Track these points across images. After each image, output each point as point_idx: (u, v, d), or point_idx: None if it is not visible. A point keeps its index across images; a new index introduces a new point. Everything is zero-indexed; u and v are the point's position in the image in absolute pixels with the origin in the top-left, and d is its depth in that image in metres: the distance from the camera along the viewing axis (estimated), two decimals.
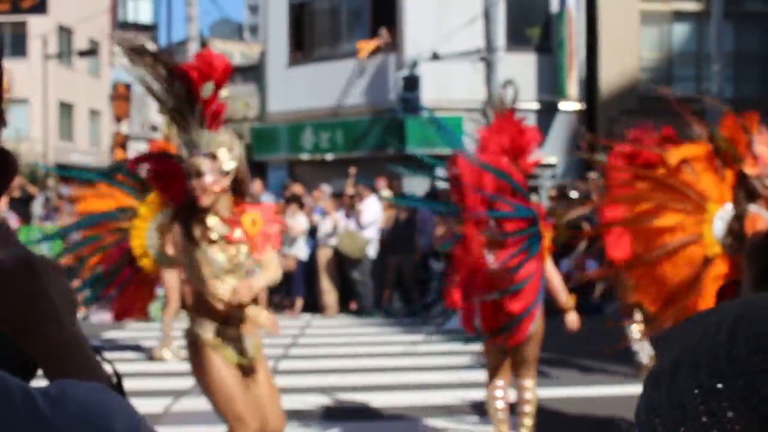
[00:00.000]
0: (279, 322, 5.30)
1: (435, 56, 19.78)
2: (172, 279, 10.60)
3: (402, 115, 20.43)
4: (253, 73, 30.06)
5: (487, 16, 18.85)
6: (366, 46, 21.73)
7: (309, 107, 23.02)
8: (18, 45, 35.37)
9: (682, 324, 1.06)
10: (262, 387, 5.04)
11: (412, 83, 19.97)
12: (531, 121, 20.10)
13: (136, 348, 11.81)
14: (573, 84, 21.70)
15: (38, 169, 31.89)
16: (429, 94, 20.35)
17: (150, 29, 54.07)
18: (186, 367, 10.23)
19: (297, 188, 17.35)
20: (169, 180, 5.11)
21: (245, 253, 4.91)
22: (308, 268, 15.75)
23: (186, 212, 4.83)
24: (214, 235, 4.81)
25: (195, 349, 4.92)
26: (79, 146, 41.00)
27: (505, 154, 6.24)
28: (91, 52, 36.47)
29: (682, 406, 0.99)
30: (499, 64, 18.86)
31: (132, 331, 13.41)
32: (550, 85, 21.50)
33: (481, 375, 9.76)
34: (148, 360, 10.99)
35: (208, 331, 4.88)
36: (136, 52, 4.75)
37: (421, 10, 21.46)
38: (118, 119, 41.02)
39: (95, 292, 6.14)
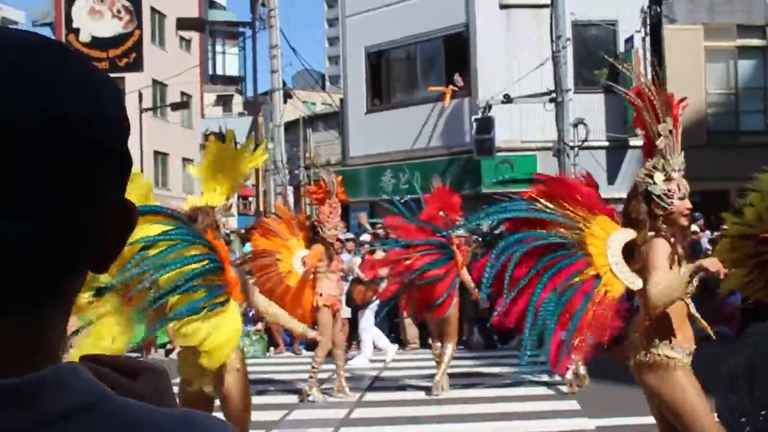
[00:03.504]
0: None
1: (507, 99, 19.80)
2: (324, 317, 10.33)
3: (477, 156, 20.45)
4: (335, 120, 30.36)
5: (556, 59, 18.82)
6: (446, 93, 21.87)
7: (388, 151, 23.19)
8: None
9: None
10: None
11: (485, 125, 20.00)
12: (602, 159, 20.01)
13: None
14: None
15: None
16: (502, 135, 20.35)
17: (237, 81, 55.00)
18: (292, 386, 10.40)
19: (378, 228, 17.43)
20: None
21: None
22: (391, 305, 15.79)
23: (665, 230, 4.85)
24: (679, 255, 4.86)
25: (665, 370, 4.86)
26: (174, 192, 41.75)
27: (438, 210, 10.47)
28: (183, 104, 37.24)
29: None
30: (569, 104, 18.80)
31: None
32: (619, 123, 21.32)
33: (564, 404, 9.73)
34: (299, 397, 10.67)
35: (679, 352, 4.86)
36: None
37: (492, 55, 21.54)
38: None
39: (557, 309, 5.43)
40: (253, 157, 6.38)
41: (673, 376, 4.86)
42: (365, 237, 15.77)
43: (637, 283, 5.05)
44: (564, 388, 10.51)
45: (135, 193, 5.28)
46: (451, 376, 11.51)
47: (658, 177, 4.92)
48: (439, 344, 10.88)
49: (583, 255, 5.32)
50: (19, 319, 0.84)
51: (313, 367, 10.53)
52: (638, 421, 8.71)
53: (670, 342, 4.87)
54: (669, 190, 4.89)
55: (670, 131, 4.99)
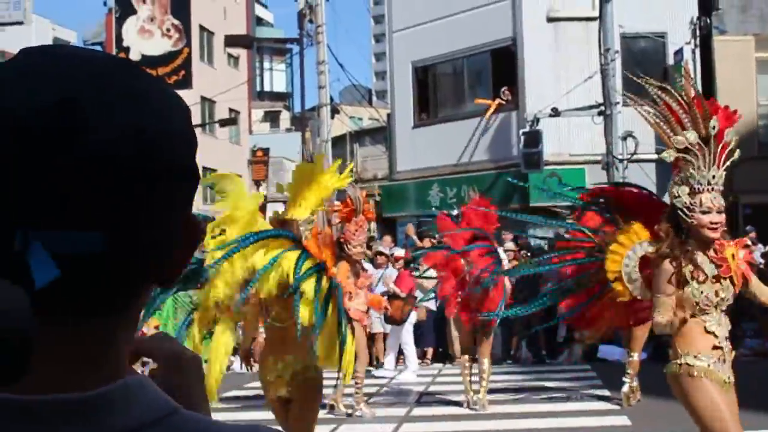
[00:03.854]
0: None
1: (555, 112, 19.71)
2: (356, 332, 10.27)
3: (525, 169, 20.37)
4: (382, 134, 30.44)
5: (604, 71, 18.71)
6: (490, 106, 21.86)
7: (435, 165, 23.18)
8: None
9: None
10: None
11: (533, 139, 19.93)
12: (651, 172, 19.88)
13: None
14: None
15: None
16: (551, 149, 20.26)
17: (284, 97, 55.35)
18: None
19: (426, 242, 17.41)
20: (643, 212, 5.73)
21: (729, 288, 4.99)
22: (438, 318, 15.75)
23: (679, 247, 4.97)
24: (706, 273, 4.94)
25: (692, 377, 4.98)
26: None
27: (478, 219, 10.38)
28: (232, 120, 37.53)
29: None
30: (618, 117, 18.66)
31: None
32: None
33: (615, 420, 9.63)
34: (348, 412, 10.65)
35: (704, 360, 4.96)
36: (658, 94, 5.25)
37: (540, 68, 21.47)
38: (257, 183, 42.01)
39: (559, 295, 6.66)
40: (339, 177, 6.83)
41: (697, 383, 4.93)
42: (399, 252, 15.68)
43: (643, 294, 5.46)
44: (614, 405, 10.42)
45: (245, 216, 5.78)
46: (499, 390, 11.47)
47: (683, 190, 4.96)
48: (465, 357, 11.02)
49: (600, 259, 5.96)
50: (90, 330, 0.86)
51: (356, 383, 10.51)
52: None
53: (694, 351, 4.96)
54: (692, 204, 4.91)
55: (700, 144, 4.98)
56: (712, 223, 4.88)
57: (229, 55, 44.32)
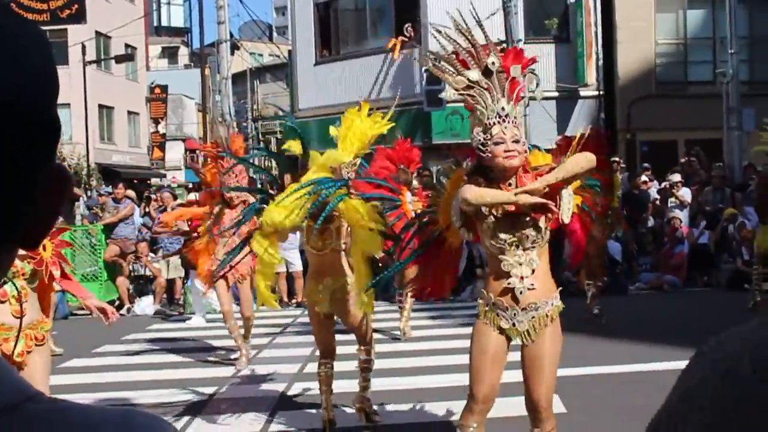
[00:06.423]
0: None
1: None
2: (221, 288, 9.68)
3: (427, 107, 20.42)
4: (283, 71, 30.15)
5: (506, 8, 18.78)
6: (396, 45, 21.78)
7: (337, 102, 23.07)
8: (58, 53, 35.55)
9: (690, 362, 0.82)
10: (539, 356, 4.99)
11: (436, 76, 19.92)
12: (552, 109, 20.09)
13: (181, 340, 11.90)
14: (592, 71, 21.59)
15: (81, 170, 32.12)
16: None
17: (182, 33, 54.28)
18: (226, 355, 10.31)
19: None
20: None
21: (531, 226, 4.79)
22: None
23: (482, 177, 4.85)
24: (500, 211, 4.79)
25: (478, 320, 4.98)
26: (119, 147, 41.26)
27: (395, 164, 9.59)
28: (128, 57, 36.67)
29: None
30: None
31: (175, 322, 13.54)
32: (570, 74, 21.39)
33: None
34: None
35: (483, 298, 4.94)
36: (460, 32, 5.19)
37: (442, 4, 21.43)
38: (155, 120, 41.29)
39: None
40: (379, 123, 7.09)
41: (478, 325, 4.96)
42: None
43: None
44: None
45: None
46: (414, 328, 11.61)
47: (477, 131, 4.86)
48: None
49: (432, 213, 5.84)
50: None
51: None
52: (603, 370, 8.86)
53: (488, 294, 4.91)
54: (485, 138, 4.79)
55: (484, 80, 4.97)
56: (506, 151, 4.74)
57: None
